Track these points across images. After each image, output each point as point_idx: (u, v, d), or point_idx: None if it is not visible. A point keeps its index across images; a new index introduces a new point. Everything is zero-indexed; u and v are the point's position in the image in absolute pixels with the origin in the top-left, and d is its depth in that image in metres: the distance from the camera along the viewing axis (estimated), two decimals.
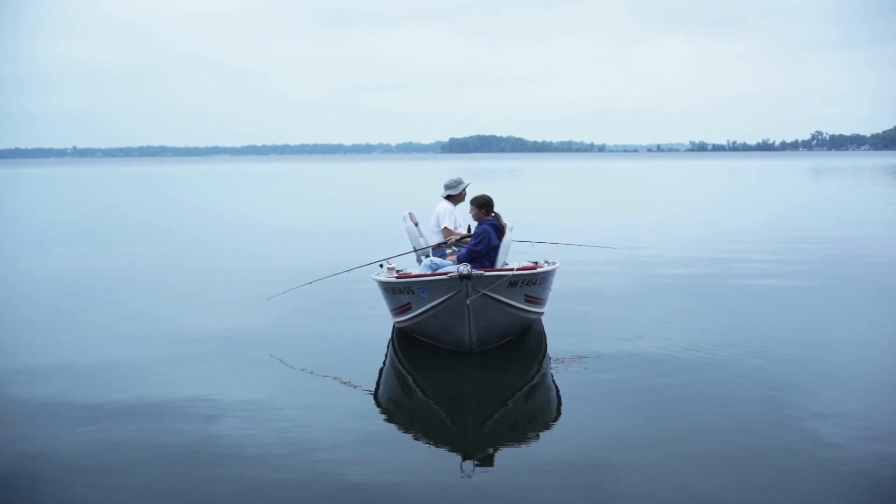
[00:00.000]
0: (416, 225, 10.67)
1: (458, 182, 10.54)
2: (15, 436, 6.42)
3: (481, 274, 7.83)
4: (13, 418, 6.83)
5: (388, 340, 9.33)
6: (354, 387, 7.68)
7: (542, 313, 9.00)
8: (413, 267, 10.29)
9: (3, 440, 6.36)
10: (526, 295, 8.40)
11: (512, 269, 8.13)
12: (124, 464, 5.82)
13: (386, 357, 8.74)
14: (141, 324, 10.51)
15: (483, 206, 9.32)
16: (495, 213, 9.35)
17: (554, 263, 9.16)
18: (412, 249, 10.62)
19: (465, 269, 7.74)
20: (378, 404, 7.24)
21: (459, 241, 10.03)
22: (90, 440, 6.28)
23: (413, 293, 8.27)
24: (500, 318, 8.30)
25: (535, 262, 9.56)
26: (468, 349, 8.24)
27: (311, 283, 10.65)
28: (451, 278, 7.80)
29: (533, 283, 8.48)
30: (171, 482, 5.52)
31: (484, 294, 7.88)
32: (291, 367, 8.37)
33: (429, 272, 8.80)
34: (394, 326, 9.53)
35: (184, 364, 8.50)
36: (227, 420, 6.65)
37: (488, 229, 9.06)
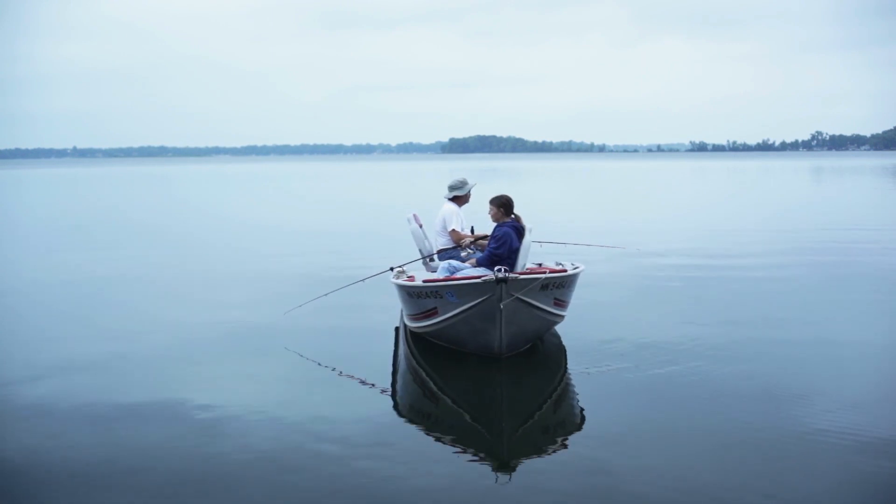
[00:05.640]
0: (421, 227, 10.63)
1: (464, 183, 10.46)
2: (18, 436, 6.40)
3: (517, 277, 7.69)
4: (16, 419, 6.81)
5: (395, 345, 9.27)
6: (373, 393, 7.54)
7: (565, 316, 8.87)
8: (420, 270, 10.29)
9: (7, 441, 6.33)
10: (555, 298, 8.27)
11: (545, 272, 7.99)
12: (129, 464, 5.79)
13: (399, 362, 8.63)
14: (145, 324, 10.45)
15: (503, 205, 9.07)
16: (515, 215, 9.13)
17: (577, 266, 8.99)
18: (421, 251, 10.57)
19: (501, 272, 7.59)
20: (402, 411, 7.10)
21: (474, 242, 9.97)
22: (94, 440, 6.27)
23: (441, 297, 8.06)
24: (530, 321, 8.17)
25: (540, 264, 9.50)
26: (497, 354, 8.09)
27: (326, 294, 10.58)
28: (486, 282, 7.62)
29: (563, 286, 8.36)
30: (177, 483, 5.49)
31: (517, 298, 7.74)
32: (301, 371, 8.30)
33: (452, 276, 8.61)
34: (407, 331, 9.39)
35: (189, 365, 8.47)
36: (238, 425, 6.54)
37: (509, 231, 8.83)
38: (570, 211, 30.57)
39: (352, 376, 8.02)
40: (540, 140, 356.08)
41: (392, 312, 10.52)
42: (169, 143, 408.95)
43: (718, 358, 8.39)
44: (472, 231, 10.43)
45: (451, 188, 10.41)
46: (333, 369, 8.30)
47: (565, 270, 8.54)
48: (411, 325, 9.07)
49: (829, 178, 62.66)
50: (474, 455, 5.99)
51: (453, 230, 10.07)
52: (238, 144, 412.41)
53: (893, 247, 18.04)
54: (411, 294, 8.61)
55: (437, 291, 8.12)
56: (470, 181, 10.49)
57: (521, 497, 5.28)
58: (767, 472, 5.56)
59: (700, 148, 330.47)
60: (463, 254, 9.92)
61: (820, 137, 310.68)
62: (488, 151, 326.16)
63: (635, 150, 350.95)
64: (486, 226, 9.55)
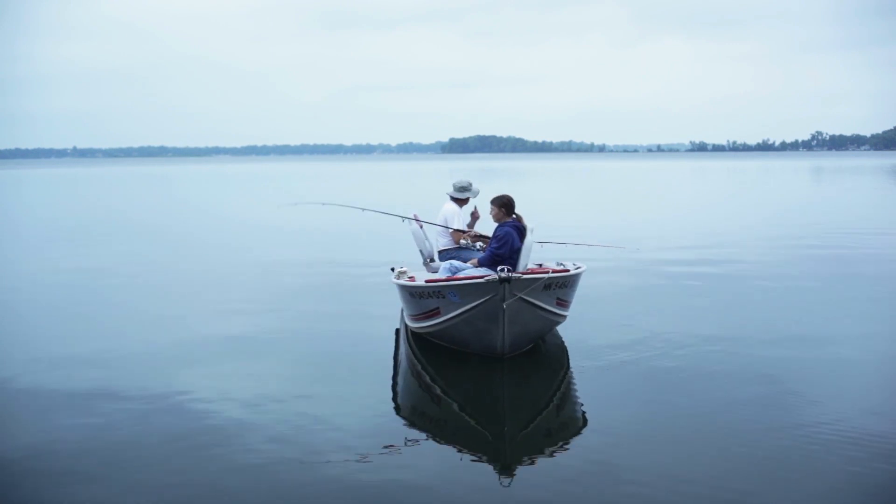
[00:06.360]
0: (422, 227, 10.63)
1: (470, 185, 10.42)
2: (18, 435, 6.41)
3: (520, 277, 7.66)
4: (15, 419, 6.82)
5: (396, 345, 9.24)
6: (374, 394, 7.48)
7: (567, 316, 8.84)
8: (420, 270, 10.27)
9: (7, 440, 6.34)
10: (558, 298, 8.25)
11: (548, 272, 7.96)
12: (129, 464, 5.79)
13: (400, 362, 8.59)
14: (145, 324, 10.44)
15: (504, 205, 9.00)
16: (517, 215, 9.06)
17: (579, 266, 8.93)
18: (422, 252, 10.55)
19: (504, 271, 7.55)
20: (403, 412, 7.07)
21: (475, 239, 9.94)
22: (94, 439, 6.27)
23: (443, 297, 8.02)
24: (532, 321, 8.15)
25: (540, 264, 9.46)
26: (500, 354, 8.06)
27: (325, 204, 11.59)
28: (489, 281, 7.60)
29: (565, 286, 8.34)
30: (177, 482, 5.49)
31: (520, 297, 7.72)
32: (301, 371, 8.28)
33: (455, 275, 8.56)
34: (408, 331, 9.37)
35: (189, 365, 8.46)
36: (238, 425, 6.52)
37: (511, 231, 8.77)
38: (571, 211, 30.55)
39: (352, 377, 7.99)
40: (540, 140, 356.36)
41: (392, 313, 10.50)
42: (169, 143, 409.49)
43: (720, 358, 8.39)
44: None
45: (462, 188, 10.37)
46: (334, 370, 8.27)
47: (568, 270, 8.51)
48: (413, 325, 9.04)
49: (830, 178, 62.65)
50: (476, 456, 5.96)
51: (454, 230, 10.06)
52: (238, 144, 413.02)
53: (894, 247, 18.03)
54: (413, 294, 8.57)
55: (439, 291, 8.09)
56: (475, 185, 10.48)
57: (524, 498, 5.26)
58: (769, 473, 5.55)
59: (700, 148, 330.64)
60: (463, 241, 9.90)
61: (820, 137, 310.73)
62: (488, 151, 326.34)
63: (635, 150, 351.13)
64: (487, 226, 9.54)
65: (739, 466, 5.67)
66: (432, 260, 10.34)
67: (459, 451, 6.08)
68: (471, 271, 8.68)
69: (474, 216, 10.53)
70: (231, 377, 8.05)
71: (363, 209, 11.19)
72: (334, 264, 15.87)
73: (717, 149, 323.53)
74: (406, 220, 10.62)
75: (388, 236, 18.07)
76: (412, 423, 6.78)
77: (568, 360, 8.47)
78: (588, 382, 7.70)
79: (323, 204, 11.61)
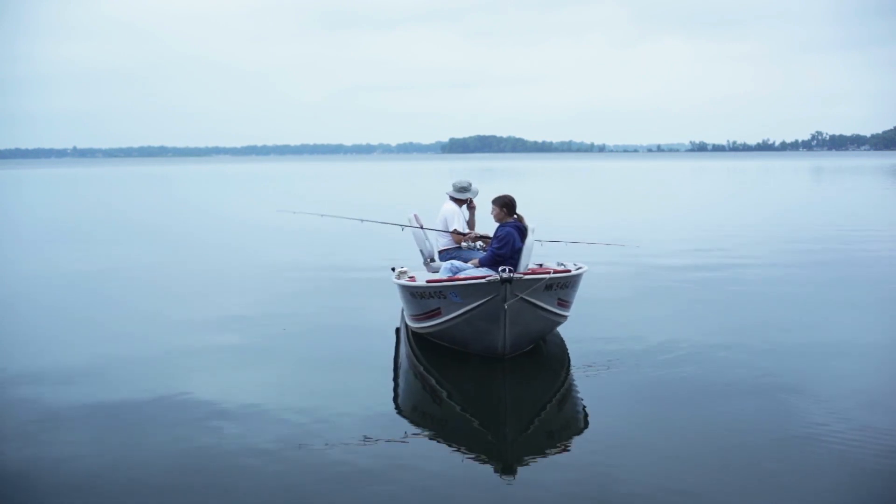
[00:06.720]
0: (422, 227, 10.63)
1: (470, 185, 10.43)
2: (18, 435, 6.40)
3: (522, 277, 7.66)
4: (16, 418, 6.81)
5: (396, 345, 9.25)
6: (375, 394, 7.47)
7: (568, 316, 8.81)
8: (421, 269, 10.27)
9: (7, 439, 6.33)
10: (559, 298, 8.25)
11: (549, 272, 7.96)
12: (130, 464, 5.79)
13: (401, 362, 8.59)
14: (145, 324, 10.44)
15: (505, 205, 8.93)
16: (518, 215, 9.00)
17: (581, 266, 8.89)
18: (422, 252, 10.55)
19: (505, 272, 7.55)
20: (404, 413, 7.07)
21: (475, 240, 9.94)
22: (95, 440, 6.27)
23: (444, 298, 8.03)
24: (534, 322, 8.15)
25: (541, 264, 9.45)
26: (500, 355, 8.07)
27: (323, 215, 11.56)
28: (491, 282, 7.60)
29: (567, 287, 8.34)
30: (177, 483, 5.49)
31: (521, 298, 7.72)
32: (302, 371, 8.27)
33: (456, 276, 8.55)
34: (409, 331, 9.37)
35: (189, 366, 8.46)
36: (239, 426, 6.52)
37: (512, 231, 8.72)
38: (571, 211, 30.55)
39: (353, 377, 7.98)
40: (540, 140, 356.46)
41: (393, 313, 10.50)
42: (169, 143, 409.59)
43: (720, 358, 8.40)
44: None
45: (461, 189, 10.37)
46: (334, 370, 8.27)
47: (569, 271, 8.50)
48: (413, 325, 9.04)
49: (829, 178, 62.66)
50: (477, 457, 5.96)
51: (455, 230, 10.05)
52: (238, 144, 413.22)
53: (893, 247, 18.02)
54: (414, 294, 8.56)
55: (440, 292, 8.08)
56: (475, 185, 10.48)
57: (525, 498, 5.26)
58: (769, 473, 5.54)
59: (700, 148, 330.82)
60: (463, 244, 9.89)
61: (820, 137, 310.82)
62: (488, 151, 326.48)
63: (635, 150, 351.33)
64: (488, 226, 9.53)
65: (739, 468, 5.67)
66: (433, 260, 10.33)
67: (460, 451, 6.07)
68: (472, 271, 8.67)
69: (471, 207, 10.53)
70: (231, 377, 8.05)
71: (362, 220, 11.17)
72: (334, 264, 15.86)
73: (717, 149, 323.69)
74: (405, 228, 10.62)
75: (388, 237, 18.02)
76: (413, 424, 6.77)
77: (569, 360, 8.47)
78: (589, 383, 7.70)
79: (322, 216, 11.65)
